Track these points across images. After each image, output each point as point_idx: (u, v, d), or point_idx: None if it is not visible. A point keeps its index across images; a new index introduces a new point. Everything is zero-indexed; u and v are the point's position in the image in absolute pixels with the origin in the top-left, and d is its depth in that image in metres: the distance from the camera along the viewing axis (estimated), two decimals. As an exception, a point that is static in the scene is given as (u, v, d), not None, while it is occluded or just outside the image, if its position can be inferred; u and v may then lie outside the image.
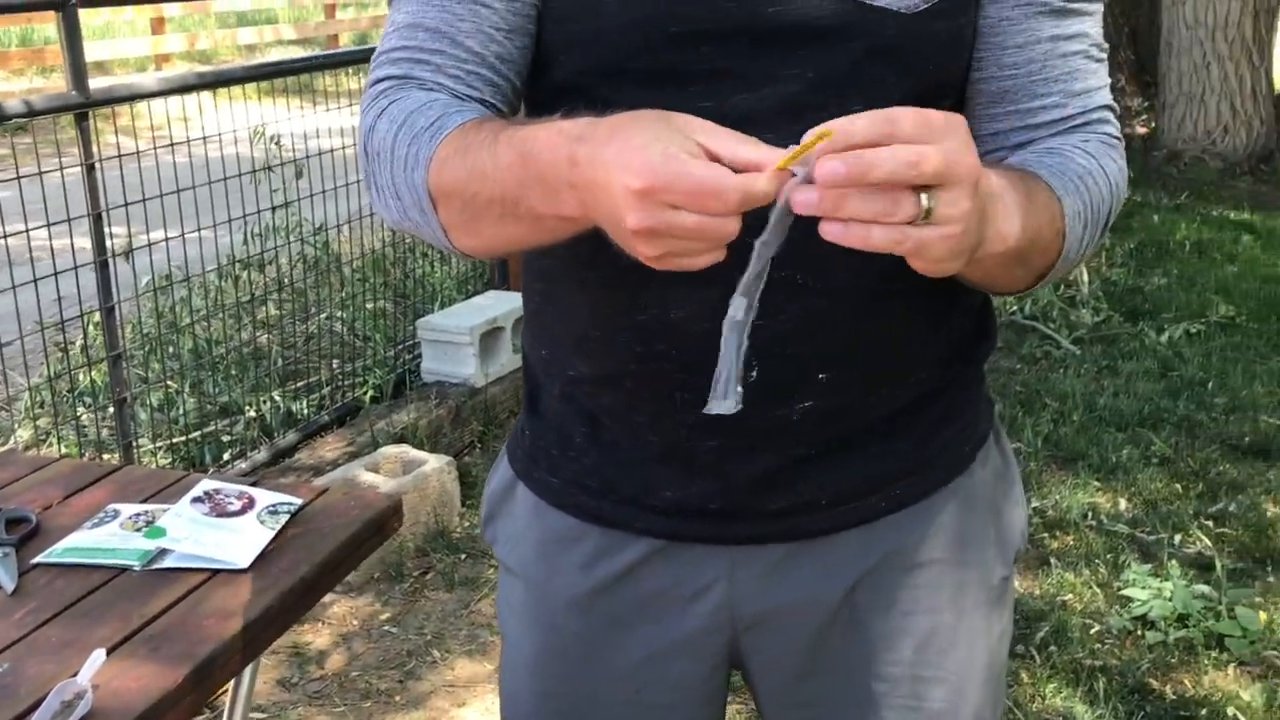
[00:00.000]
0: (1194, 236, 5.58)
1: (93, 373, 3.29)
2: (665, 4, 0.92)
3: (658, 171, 0.72)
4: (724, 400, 0.80)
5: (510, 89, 0.99)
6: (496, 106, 0.97)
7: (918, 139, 0.71)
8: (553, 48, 0.98)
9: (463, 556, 3.05)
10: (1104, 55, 1.02)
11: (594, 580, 1.09)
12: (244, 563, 1.38)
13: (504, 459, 1.18)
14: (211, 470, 3.24)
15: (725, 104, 0.91)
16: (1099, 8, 1.01)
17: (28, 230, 2.70)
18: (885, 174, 0.70)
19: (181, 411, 3.36)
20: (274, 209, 3.61)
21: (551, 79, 0.99)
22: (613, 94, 0.90)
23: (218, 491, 1.52)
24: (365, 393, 3.60)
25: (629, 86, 0.93)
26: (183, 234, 3.13)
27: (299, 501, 1.52)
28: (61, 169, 2.81)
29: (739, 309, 0.78)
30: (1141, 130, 7.51)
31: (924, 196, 0.72)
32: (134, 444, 3.05)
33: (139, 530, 1.45)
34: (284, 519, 1.47)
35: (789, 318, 0.96)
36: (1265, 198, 6.37)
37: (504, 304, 3.87)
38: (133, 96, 3.00)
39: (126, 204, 2.92)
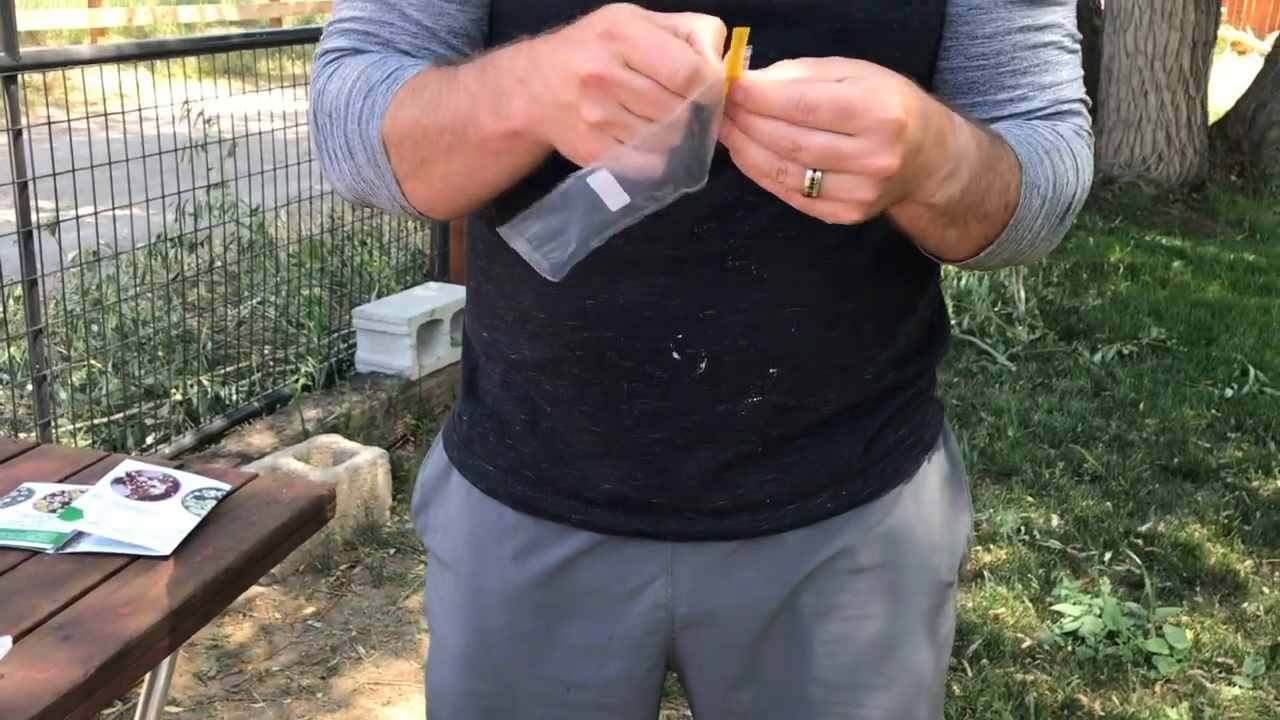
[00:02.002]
0: (1127, 260, 5.67)
1: (11, 349, 3.16)
2: None
3: (626, 22, 0.72)
4: (541, 255, 0.74)
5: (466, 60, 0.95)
6: None
7: (830, 127, 0.72)
8: (505, 19, 0.95)
9: (392, 551, 2.98)
10: (1077, 47, 0.99)
11: (528, 573, 1.05)
12: (165, 549, 1.31)
13: (439, 445, 1.13)
14: (134, 453, 3.14)
15: None
16: None
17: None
18: (764, 140, 0.73)
19: (104, 392, 3.24)
20: (209, 188, 3.51)
21: None
22: None
23: (140, 473, 1.45)
24: (297, 381, 3.51)
25: None
26: (113, 209, 3.02)
27: (227, 487, 1.45)
28: (-13, 134, 2.70)
29: (609, 192, 0.73)
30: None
31: (812, 172, 0.73)
32: (53, 424, 2.94)
33: (54, 511, 1.37)
34: (210, 504, 1.40)
35: (743, 310, 0.94)
36: (1196, 225, 6.50)
37: (443, 296, 3.80)
38: (65, 62, 2.89)
39: (55, 174, 2.81)
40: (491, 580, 1.07)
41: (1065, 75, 0.98)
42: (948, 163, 0.80)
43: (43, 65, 2.85)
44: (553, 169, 0.79)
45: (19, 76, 2.67)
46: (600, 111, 0.73)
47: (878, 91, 0.73)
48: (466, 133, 0.84)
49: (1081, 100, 0.99)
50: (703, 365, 0.95)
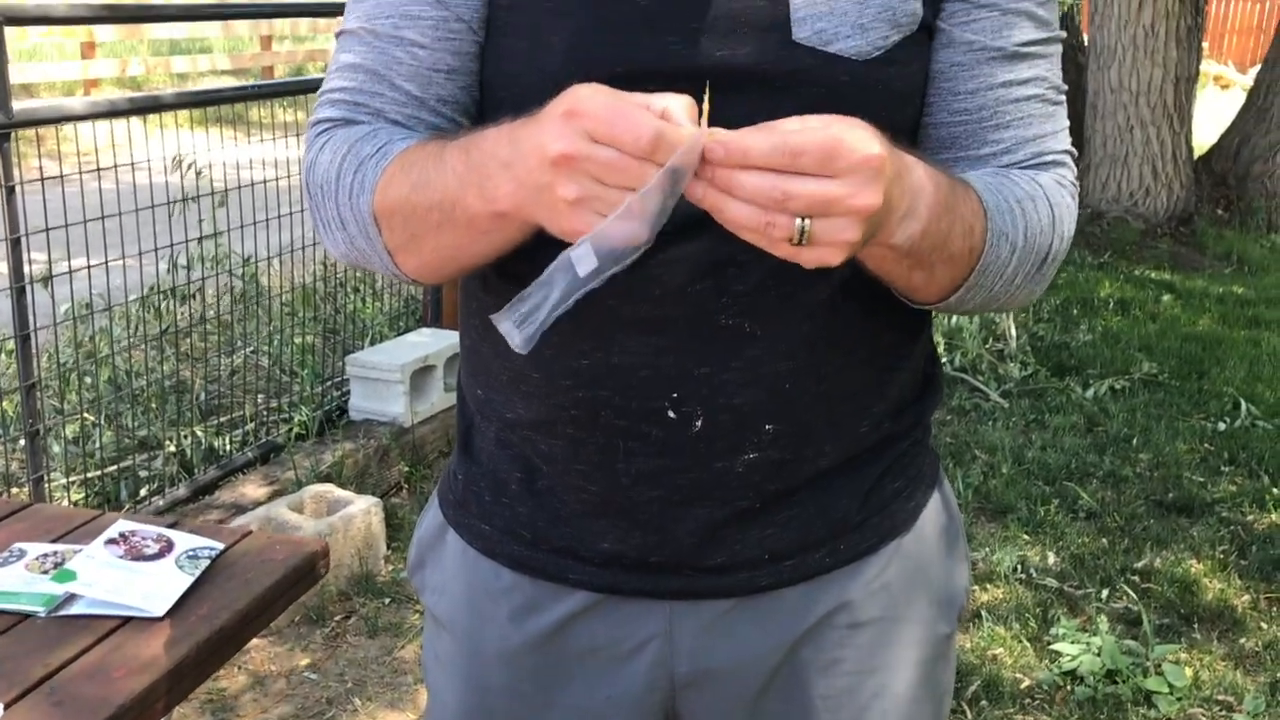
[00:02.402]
0: (1117, 295, 5.69)
1: (3, 403, 3.16)
2: (610, 43, 0.90)
3: (584, 99, 0.74)
4: (518, 329, 0.77)
5: (454, 129, 0.97)
6: None
7: (816, 171, 0.72)
8: (495, 85, 0.96)
9: (387, 601, 2.96)
10: (1061, 98, 1.00)
11: (525, 634, 1.05)
12: (159, 610, 1.31)
13: (434, 504, 1.13)
14: (128, 507, 3.13)
15: None
16: (1056, 49, 0.99)
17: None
18: (748, 195, 0.73)
19: (98, 445, 3.24)
20: (200, 239, 3.52)
21: (494, 118, 0.96)
22: None
23: (134, 533, 1.45)
24: (291, 430, 3.51)
25: None
26: (105, 262, 3.03)
27: (220, 546, 1.45)
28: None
29: (588, 264, 0.75)
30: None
31: (802, 220, 0.73)
32: (46, 478, 2.93)
33: (46, 573, 1.37)
34: (204, 564, 1.40)
35: (737, 368, 0.95)
36: (1185, 259, 6.53)
37: (437, 341, 3.80)
38: (58, 119, 2.91)
39: (48, 229, 2.82)
40: (489, 640, 1.06)
41: (1049, 127, 0.98)
42: (904, 199, 0.81)
43: (37, 122, 2.87)
44: (544, 237, 0.80)
45: (13, 133, 2.69)
46: (575, 189, 0.74)
47: (852, 132, 0.74)
48: (454, 212, 0.85)
49: (1066, 151, 1.00)
50: (699, 423, 0.95)
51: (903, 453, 1.06)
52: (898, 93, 0.93)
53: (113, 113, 3.04)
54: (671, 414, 0.95)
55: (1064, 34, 1.00)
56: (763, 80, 0.89)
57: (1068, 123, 1.01)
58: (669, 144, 0.72)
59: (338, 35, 0.99)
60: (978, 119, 0.96)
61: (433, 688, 1.13)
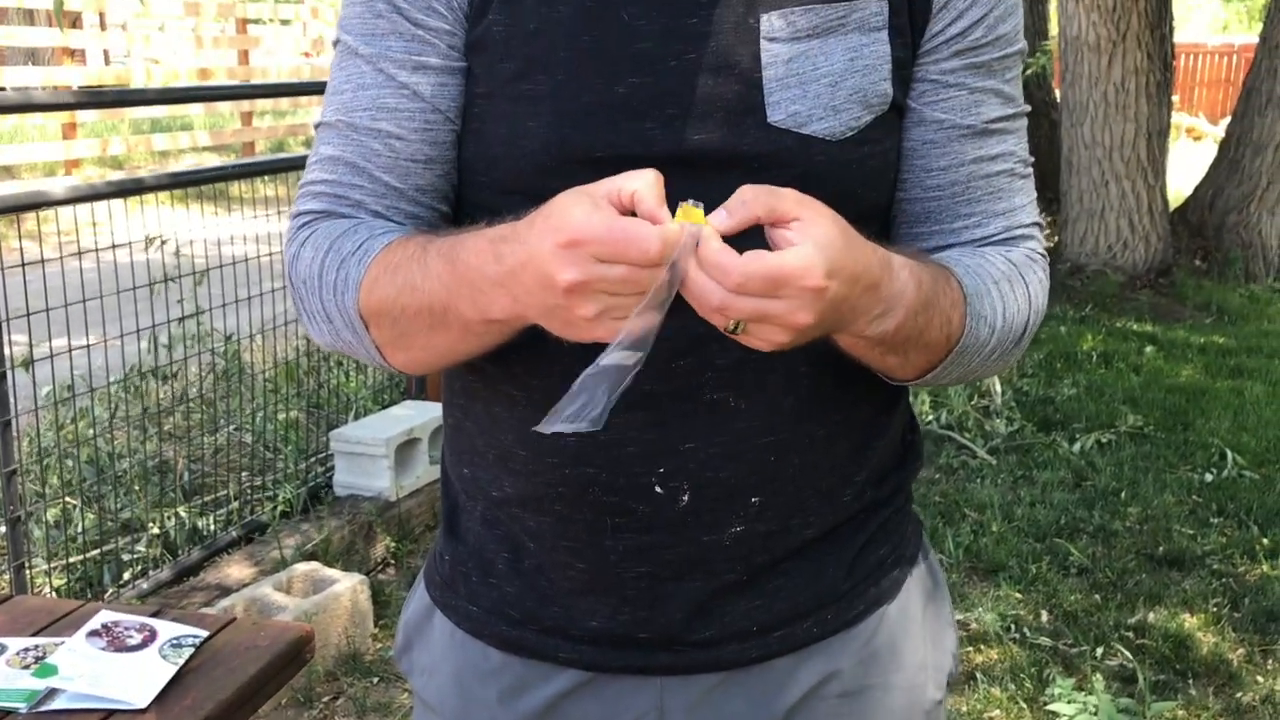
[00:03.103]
0: (1100, 348, 5.73)
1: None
2: (589, 129, 0.92)
3: (582, 224, 0.75)
4: (573, 423, 0.79)
5: (434, 216, 0.98)
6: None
7: (760, 294, 0.77)
8: (474, 167, 0.97)
9: (375, 680, 2.92)
10: (1029, 170, 1.03)
11: (515, 715, 1.04)
12: (142, 702, 1.29)
13: (420, 585, 1.13)
14: (111, 592, 3.09)
15: None
16: (1023, 123, 1.02)
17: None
18: (694, 294, 0.78)
19: (80, 529, 3.20)
20: (183, 319, 3.52)
21: (473, 199, 0.97)
22: None
23: (116, 624, 1.43)
24: (275, 507, 3.48)
25: None
26: (88, 345, 3.02)
27: (204, 634, 1.43)
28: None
29: (625, 358, 0.79)
30: (1045, 244, 7.75)
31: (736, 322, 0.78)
32: (27, 565, 2.89)
33: (27, 668, 1.35)
34: (188, 652, 1.38)
35: (721, 443, 0.95)
36: (1165, 310, 6.59)
37: (421, 414, 3.79)
38: (39, 204, 2.92)
39: (29, 314, 2.82)
40: None
41: (1019, 201, 1.01)
42: (879, 305, 0.84)
43: (18, 208, 2.87)
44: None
45: (-8, 219, 2.69)
46: (592, 307, 0.77)
47: (808, 261, 0.77)
48: (447, 318, 0.87)
49: (1035, 224, 1.03)
50: (685, 498, 0.96)
51: (886, 520, 1.07)
52: (872, 170, 0.96)
53: (94, 196, 3.05)
54: (658, 489, 0.95)
55: (1028, 108, 1.02)
56: (743, 162, 0.91)
57: (1034, 194, 1.03)
58: (671, 245, 0.76)
59: (316, 127, 1.00)
60: (950, 194, 0.99)
61: None
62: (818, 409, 0.97)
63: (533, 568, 1.02)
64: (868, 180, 0.95)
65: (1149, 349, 5.76)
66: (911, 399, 1.13)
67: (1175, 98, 9.21)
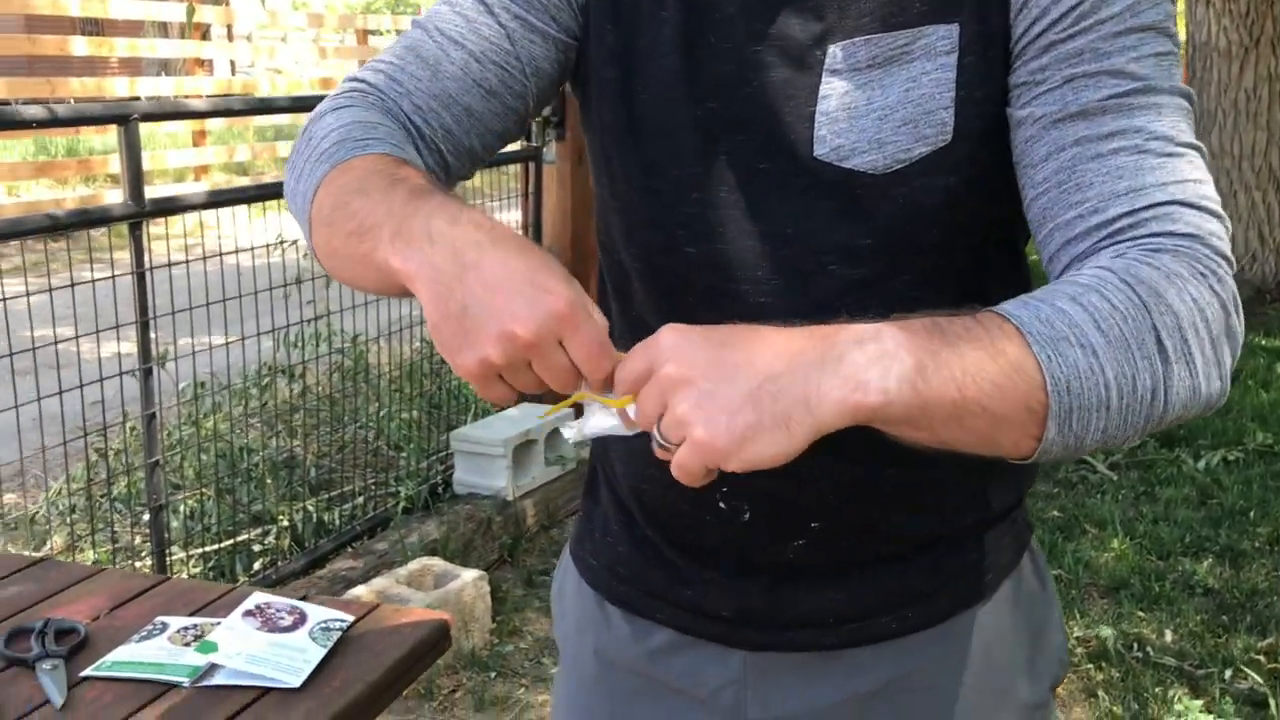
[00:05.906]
0: (1226, 362, 5.55)
1: (124, 478, 3.28)
2: (669, 151, 0.97)
3: (575, 307, 0.77)
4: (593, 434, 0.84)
5: (456, 150, 1.01)
6: (440, 154, 1.00)
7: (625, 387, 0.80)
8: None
9: (493, 675, 2.98)
10: (1173, 148, 0.86)
11: (620, 661, 1.13)
12: (296, 681, 1.34)
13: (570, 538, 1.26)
14: (242, 580, 3.21)
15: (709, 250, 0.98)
16: (1161, 100, 0.87)
17: (77, 337, 2.72)
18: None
19: (215, 519, 3.33)
20: (313, 320, 3.63)
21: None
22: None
23: (269, 605, 1.49)
24: (397, 504, 3.58)
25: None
26: (226, 343, 3.15)
27: (350, 618, 1.49)
28: (114, 276, 2.84)
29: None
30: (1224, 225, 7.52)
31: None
32: (166, 552, 3.03)
33: (188, 645, 1.42)
34: (336, 635, 1.44)
35: (785, 470, 0.83)
36: (1295, 325, 6.36)
37: (537, 416, 3.86)
38: (184, 208, 3.06)
39: (174, 313, 2.95)
40: (586, 665, 1.16)
41: (1150, 179, 0.85)
42: (835, 383, 0.75)
43: (165, 211, 3.01)
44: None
45: (144, 221, 2.83)
46: (508, 368, 0.79)
47: (633, 354, 0.79)
48: (367, 239, 0.85)
49: (1177, 201, 0.84)
50: (746, 516, 1.02)
51: (974, 534, 1.06)
52: (920, 206, 0.92)
53: (233, 200, 3.19)
54: (721, 504, 1.02)
55: (1173, 83, 0.88)
56: (795, 195, 0.95)
57: (1190, 174, 0.85)
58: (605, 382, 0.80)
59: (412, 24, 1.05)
60: (1056, 183, 0.87)
61: (551, 704, 1.21)
62: (885, 450, 0.84)
63: (641, 537, 1.11)
64: (916, 215, 0.92)
65: (1279, 365, 5.57)
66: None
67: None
